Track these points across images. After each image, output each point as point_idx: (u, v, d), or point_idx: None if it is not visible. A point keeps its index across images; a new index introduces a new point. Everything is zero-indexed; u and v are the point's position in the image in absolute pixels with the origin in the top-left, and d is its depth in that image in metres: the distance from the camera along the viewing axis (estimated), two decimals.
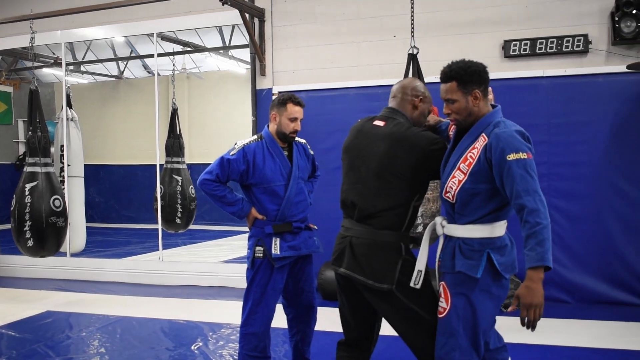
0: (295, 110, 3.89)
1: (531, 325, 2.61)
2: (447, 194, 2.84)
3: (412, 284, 2.94)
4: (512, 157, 2.65)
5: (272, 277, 3.88)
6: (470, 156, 2.79)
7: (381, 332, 3.46)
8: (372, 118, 3.25)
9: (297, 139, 4.04)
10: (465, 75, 2.85)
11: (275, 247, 3.85)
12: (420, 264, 2.95)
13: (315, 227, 4.08)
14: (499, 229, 2.82)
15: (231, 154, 3.85)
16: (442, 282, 2.88)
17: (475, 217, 2.80)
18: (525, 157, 2.66)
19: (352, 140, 3.25)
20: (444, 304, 2.85)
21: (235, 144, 3.92)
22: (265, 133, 3.96)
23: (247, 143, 3.89)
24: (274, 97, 4.09)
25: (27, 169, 6.73)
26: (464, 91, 2.84)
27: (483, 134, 2.79)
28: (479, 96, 2.83)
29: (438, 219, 2.98)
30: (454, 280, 2.82)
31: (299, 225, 3.94)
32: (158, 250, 8.20)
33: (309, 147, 4.17)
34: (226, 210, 3.94)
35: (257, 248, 3.87)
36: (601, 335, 5.19)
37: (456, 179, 2.80)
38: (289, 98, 3.91)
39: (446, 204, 2.91)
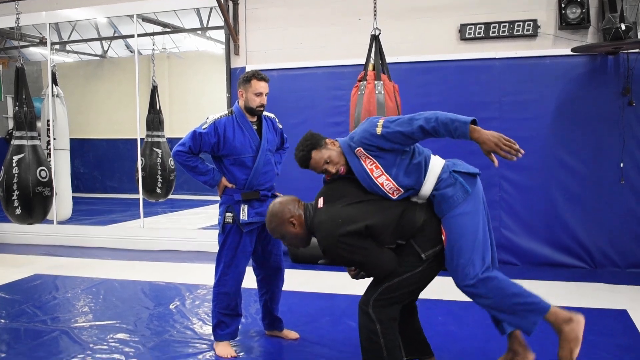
0: (260, 86, 3.84)
1: (514, 151, 2.82)
2: (397, 192, 3.06)
3: None
4: (379, 129, 2.96)
5: (241, 240, 3.89)
6: (370, 165, 3.06)
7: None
8: None
9: (266, 113, 4.03)
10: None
11: (243, 213, 3.86)
12: None
13: (281, 195, 4.08)
14: (439, 163, 3.09)
15: (203, 127, 3.82)
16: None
17: (423, 175, 3.03)
18: (382, 120, 3.01)
19: None
20: (443, 237, 3.03)
21: (207, 118, 3.89)
22: (236, 108, 3.93)
23: (217, 117, 3.86)
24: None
25: (15, 142, 6.65)
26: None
27: (355, 151, 3.08)
28: (334, 146, 3.17)
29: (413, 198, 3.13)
30: (440, 211, 3.04)
31: (266, 194, 3.96)
32: (140, 218, 8.16)
33: (277, 120, 4.15)
34: (198, 180, 3.93)
35: (227, 214, 3.89)
36: (545, 294, 5.23)
37: (386, 182, 3.04)
38: (253, 75, 3.86)
39: (406, 194, 3.10)
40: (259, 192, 3.92)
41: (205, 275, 5.87)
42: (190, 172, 3.92)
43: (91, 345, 4.11)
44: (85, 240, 8.03)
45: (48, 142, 8.03)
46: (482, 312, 4.64)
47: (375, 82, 4.99)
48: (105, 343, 4.16)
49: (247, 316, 4.68)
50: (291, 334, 4.21)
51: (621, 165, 6.04)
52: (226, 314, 3.95)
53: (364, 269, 3.08)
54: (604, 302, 4.99)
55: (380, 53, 5.26)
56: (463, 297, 3.09)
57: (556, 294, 5.26)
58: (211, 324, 4.05)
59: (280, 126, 4.16)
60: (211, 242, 6.90)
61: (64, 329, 4.47)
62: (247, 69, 6.86)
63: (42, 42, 9.63)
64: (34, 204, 6.59)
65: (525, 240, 6.36)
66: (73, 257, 7.24)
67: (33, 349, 4.07)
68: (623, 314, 4.64)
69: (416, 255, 3.04)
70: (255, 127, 3.94)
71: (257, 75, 3.87)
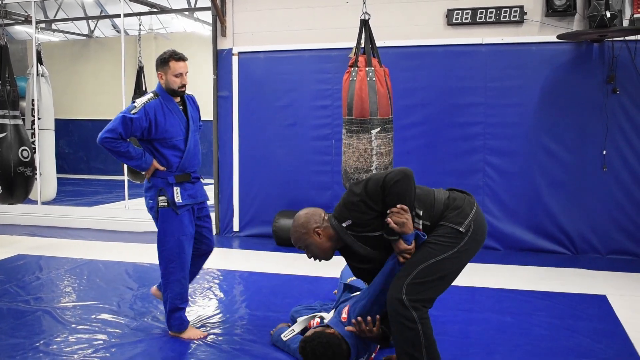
0: (179, 66, 3.76)
1: None
2: None
3: None
4: None
5: (180, 223, 3.85)
6: None
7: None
8: None
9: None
10: None
11: (177, 196, 3.83)
12: None
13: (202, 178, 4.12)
14: None
15: (132, 112, 3.68)
16: None
17: None
18: None
19: None
20: None
21: (135, 102, 3.76)
22: (160, 90, 3.83)
23: (146, 101, 3.74)
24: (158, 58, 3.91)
25: None
26: None
27: None
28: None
29: None
30: None
31: (197, 176, 3.97)
32: (124, 199, 8.12)
33: (196, 98, 4.11)
34: (129, 164, 3.85)
35: (161, 198, 3.83)
36: (526, 278, 5.34)
37: None
38: (170, 55, 3.76)
39: None
40: (190, 175, 3.91)
41: None
42: (120, 158, 3.81)
43: (74, 325, 4.10)
44: (69, 221, 7.98)
45: (33, 122, 7.95)
46: (464, 295, 4.70)
47: (367, 68, 4.98)
48: (88, 323, 4.15)
49: (228, 296, 4.69)
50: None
51: (604, 152, 6.08)
52: (180, 303, 3.90)
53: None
54: (584, 287, 5.04)
55: (370, 38, 5.23)
56: None
57: (537, 279, 5.32)
58: (166, 315, 3.93)
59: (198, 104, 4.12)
60: None
61: (46, 308, 4.45)
62: (234, 51, 6.85)
63: (27, 21, 9.50)
64: (16, 184, 6.51)
65: (507, 225, 6.40)
66: (57, 238, 7.21)
67: (15, 327, 4.05)
68: (602, 299, 4.69)
69: (453, 232, 2.92)
70: (181, 107, 3.89)
71: (175, 55, 3.77)
